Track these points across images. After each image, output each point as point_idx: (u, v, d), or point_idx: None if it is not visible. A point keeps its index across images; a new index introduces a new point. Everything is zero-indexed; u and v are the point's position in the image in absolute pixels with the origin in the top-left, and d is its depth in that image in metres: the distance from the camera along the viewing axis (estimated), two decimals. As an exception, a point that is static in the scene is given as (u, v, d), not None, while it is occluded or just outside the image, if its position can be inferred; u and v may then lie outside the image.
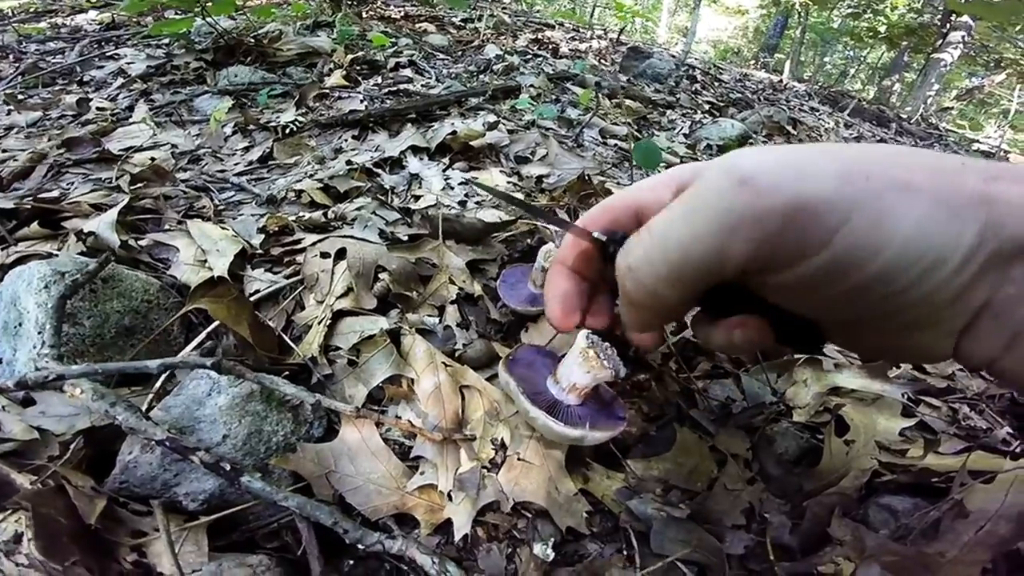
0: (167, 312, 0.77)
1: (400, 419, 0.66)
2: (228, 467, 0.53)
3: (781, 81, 5.25)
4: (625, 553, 0.60)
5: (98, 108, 1.71)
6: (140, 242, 0.91)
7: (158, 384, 0.66)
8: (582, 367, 0.58)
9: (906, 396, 0.77)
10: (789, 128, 2.52)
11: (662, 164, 1.22)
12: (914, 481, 0.65)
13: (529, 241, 0.98)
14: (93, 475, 0.57)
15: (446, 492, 0.61)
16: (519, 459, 0.64)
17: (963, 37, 8.22)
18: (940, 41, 8.57)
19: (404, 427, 0.65)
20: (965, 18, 7.87)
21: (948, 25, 8.45)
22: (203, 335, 0.73)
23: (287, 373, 0.69)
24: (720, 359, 0.82)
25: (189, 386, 0.62)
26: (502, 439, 0.66)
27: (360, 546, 0.53)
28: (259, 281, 0.83)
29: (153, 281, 0.79)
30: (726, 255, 0.31)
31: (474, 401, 0.70)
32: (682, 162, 1.68)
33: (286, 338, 0.75)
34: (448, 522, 0.60)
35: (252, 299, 0.79)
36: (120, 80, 1.92)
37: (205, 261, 0.84)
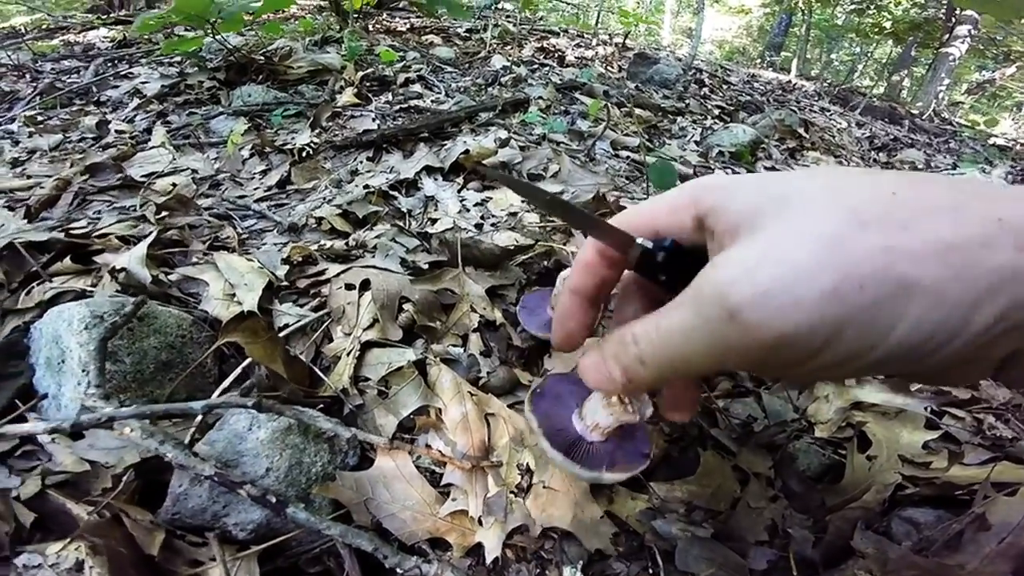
0: (200, 346, 0.80)
1: (430, 448, 0.69)
2: (274, 499, 0.56)
3: (789, 81, 5.23)
4: (651, 572, 0.62)
5: (117, 131, 1.74)
6: (170, 277, 0.93)
7: (199, 418, 0.69)
8: (606, 409, 0.56)
9: (929, 409, 0.77)
10: (801, 131, 2.51)
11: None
12: (937, 493, 0.66)
13: (546, 263, 1.01)
14: (144, 506, 0.60)
15: (476, 517, 0.64)
16: (544, 487, 0.66)
17: (969, 31, 8.12)
18: (947, 35, 8.49)
19: (434, 456, 0.67)
20: (970, 12, 7.79)
21: (953, 19, 8.37)
22: (239, 370, 0.75)
23: (320, 405, 0.72)
24: (741, 377, 0.84)
25: (230, 421, 0.65)
26: (527, 464, 0.69)
27: (399, 570, 0.56)
28: (287, 315, 0.86)
29: (185, 316, 0.82)
30: (722, 368, 0.34)
31: (499, 428, 0.72)
32: (695, 172, 1.69)
33: (316, 370, 0.78)
34: (479, 545, 0.62)
35: (282, 335, 0.82)
36: (136, 100, 1.95)
37: (234, 295, 0.87)
